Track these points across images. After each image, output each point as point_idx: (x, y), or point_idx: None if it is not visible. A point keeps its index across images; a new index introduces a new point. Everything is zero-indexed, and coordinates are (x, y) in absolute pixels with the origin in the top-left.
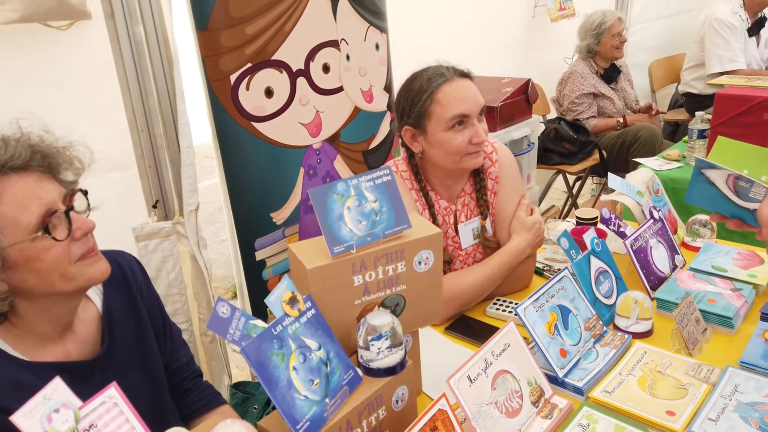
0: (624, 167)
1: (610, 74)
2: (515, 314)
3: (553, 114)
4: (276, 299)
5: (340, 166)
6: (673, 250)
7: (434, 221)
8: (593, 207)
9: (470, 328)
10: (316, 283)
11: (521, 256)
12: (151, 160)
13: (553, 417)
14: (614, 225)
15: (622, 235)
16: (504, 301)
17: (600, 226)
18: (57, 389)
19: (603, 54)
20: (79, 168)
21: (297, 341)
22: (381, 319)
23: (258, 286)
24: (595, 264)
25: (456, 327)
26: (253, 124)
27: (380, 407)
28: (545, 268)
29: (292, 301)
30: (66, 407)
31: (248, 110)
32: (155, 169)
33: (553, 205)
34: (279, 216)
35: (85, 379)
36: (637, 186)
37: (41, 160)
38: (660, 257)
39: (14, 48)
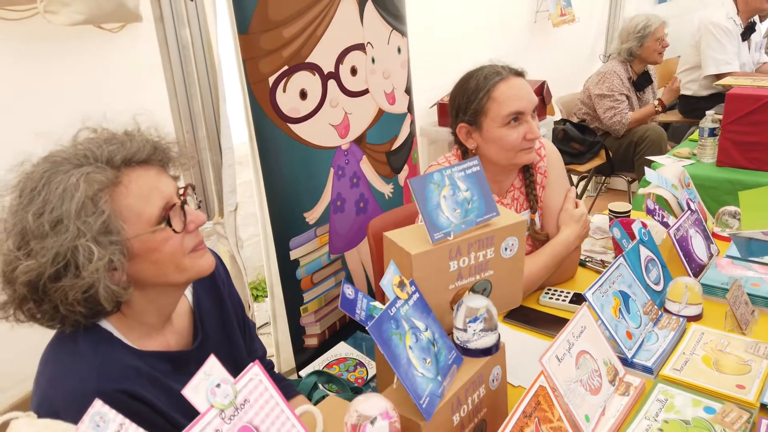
0: (630, 167)
1: (642, 83)
2: (575, 302)
3: (557, 116)
4: (388, 283)
5: (365, 166)
6: (708, 240)
7: None
8: (593, 204)
9: (527, 316)
10: (419, 268)
11: (571, 247)
12: (195, 162)
13: (630, 394)
14: (658, 215)
15: (666, 225)
16: (555, 290)
17: (638, 218)
18: (214, 366)
19: (644, 58)
20: (184, 164)
21: (409, 322)
22: (478, 301)
23: (291, 285)
24: (644, 253)
25: (514, 315)
26: (289, 125)
27: (481, 385)
28: (587, 260)
29: (401, 285)
30: (225, 382)
31: (285, 112)
32: (198, 170)
33: None
34: (311, 216)
35: (182, 369)
36: (671, 180)
37: (160, 155)
38: (699, 246)
39: (68, 49)
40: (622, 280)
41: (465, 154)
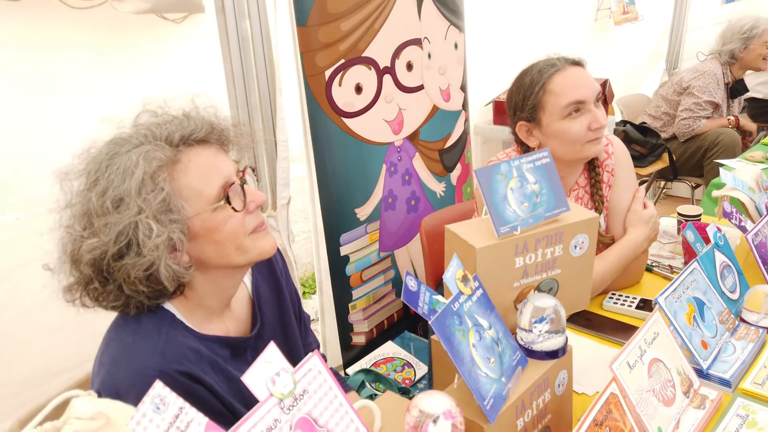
0: (697, 172)
1: (738, 89)
2: (641, 308)
3: (617, 117)
4: (451, 277)
5: (418, 163)
6: None
7: None
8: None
9: (590, 321)
10: (483, 263)
11: (639, 250)
12: (251, 153)
13: (706, 408)
14: (735, 219)
15: (743, 230)
16: (620, 295)
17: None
18: (274, 354)
19: (747, 62)
20: (245, 146)
21: (472, 319)
22: (545, 301)
23: (340, 281)
24: (719, 258)
25: (575, 319)
26: (343, 119)
27: (546, 390)
28: (654, 264)
29: (464, 279)
30: (285, 371)
31: (340, 106)
32: (254, 162)
33: None
34: (362, 212)
35: (240, 356)
36: (748, 182)
37: (218, 134)
38: None
39: (132, 38)
40: (696, 286)
41: (527, 152)
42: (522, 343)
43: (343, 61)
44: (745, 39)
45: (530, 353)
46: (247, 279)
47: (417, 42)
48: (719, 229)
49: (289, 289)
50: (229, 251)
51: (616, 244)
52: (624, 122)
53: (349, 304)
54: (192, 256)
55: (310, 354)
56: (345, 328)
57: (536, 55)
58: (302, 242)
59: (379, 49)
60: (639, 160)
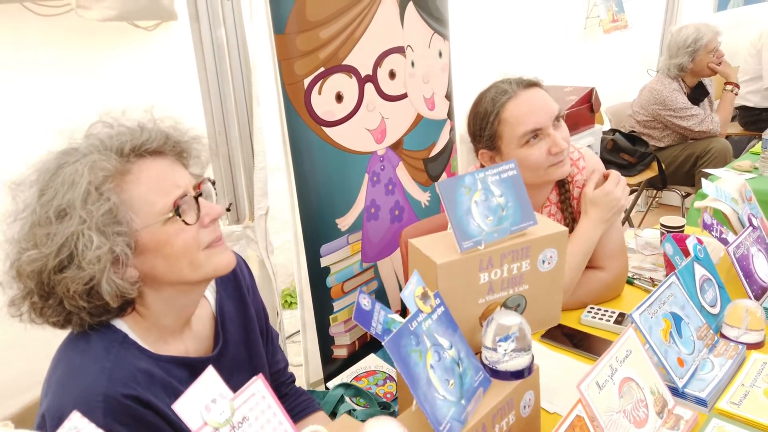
0: (687, 180)
1: (697, 96)
2: (620, 323)
3: (606, 126)
4: (410, 294)
5: (402, 173)
6: None
7: None
8: (642, 220)
9: (567, 336)
10: (445, 279)
11: (593, 237)
12: (227, 164)
13: (680, 429)
14: (716, 231)
15: (724, 242)
16: (599, 309)
17: (688, 233)
18: (212, 379)
19: (697, 72)
20: (205, 161)
21: (431, 338)
22: (510, 318)
23: (321, 293)
24: (699, 271)
25: (552, 335)
26: (323, 128)
27: (510, 411)
28: (635, 277)
29: (424, 296)
30: (222, 397)
31: (319, 114)
32: (230, 172)
33: None
34: (343, 222)
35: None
36: (731, 193)
37: (174, 146)
38: (761, 266)
39: (102, 46)
40: (673, 301)
41: None
42: (486, 362)
43: (322, 69)
44: (691, 52)
45: (495, 373)
46: (211, 295)
47: (400, 50)
48: (700, 241)
49: (256, 306)
50: (181, 266)
51: (570, 240)
52: (613, 131)
53: (330, 317)
54: (142, 271)
55: (254, 378)
56: (326, 341)
57: (524, 63)
58: (287, 252)
59: (361, 57)
60: (627, 169)
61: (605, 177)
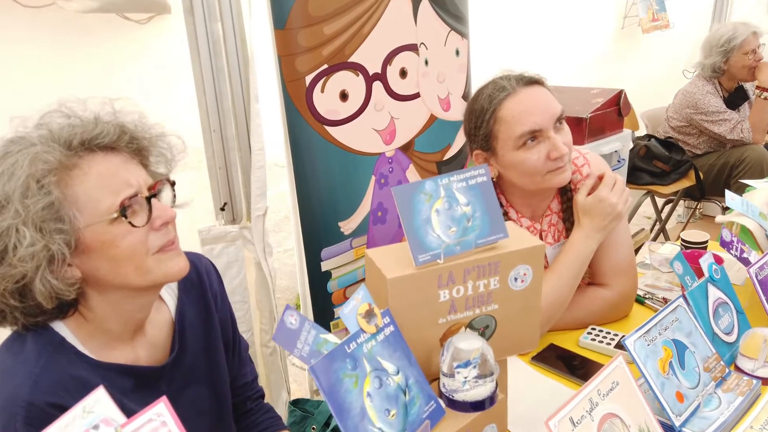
0: (723, 191)
1: (735, 100)
2: (621, 347)
3: (642, 131)
4: (350, 312)
5: (412, 176)
6: None
7: None
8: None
9: (561, 360)
10: (396, 296)
11: (587, 250)
12: (222, 162)
13: None
14: (736, 249)
15: (746, 262)
16: (600, 330)
17: (712, 251)
18: (99, 401)
19: (732, 74)
20: (170, 159)
21: (372, 362)
22: (470, 342)
23: (322, 298)
24: (714, 294)
25: (544, 357)
26: (326, 128)
27: None
28: (647, 296)
29: (369, 314)
30: (107, 423)
31: (322, 113)
32: (225, 171)
33: (643, 229)
34: (347, 226)
35: (150, 387)
36: (759, 207)
37: (129, 142)
38: None
39: (92, 38)
40: (678, 326)
41: None
42: (444, 390)
43: (326, 66)
44: (724, 52)
45: (452, 403)
46: (171, 300)
47: (412, 48)
48: (719, 260)
49: (222, 314)
50: (126, 270)
51: (562, 249)
52: (648, 136)
53: (331, 323)
54: (84, 271)
55: (157, 401)
56: None
57: (554, 65)
58: (290, 254)
59: (369, 55)
60: (661, 177)
61: (600, 179)
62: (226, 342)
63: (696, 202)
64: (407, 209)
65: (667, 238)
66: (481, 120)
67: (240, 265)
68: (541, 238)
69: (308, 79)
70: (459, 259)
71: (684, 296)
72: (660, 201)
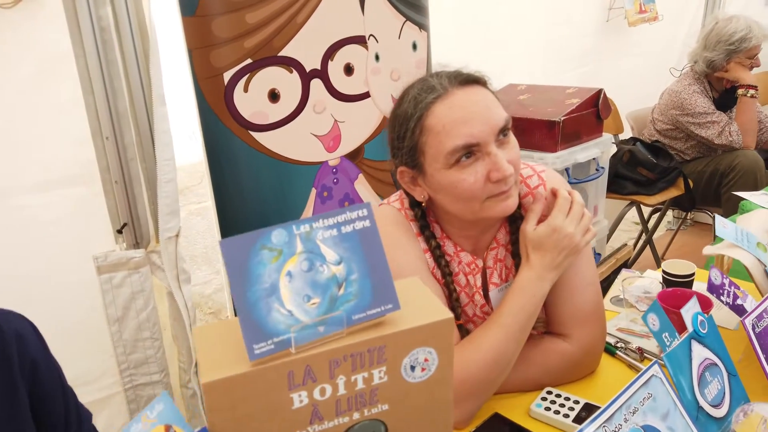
0: (714, 202)
1: (727, 102)
2: (581, 419)
3: (627, 133)
4: None
5: (362, 187)
6: None
7: (448, 285)
8: (670, 243)
9: None
10: (218, 409)
11: (538, 293)
12: (119, 174)
13: None
14: (728, 295)
15: (740, 310)
16: (558, 395)
17: (700, 290)
18: None
19: (726, 76)
20: None
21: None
22: None
23: None
24: (700, 354)
25: (489, 429)
26: (252, 133)
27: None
28: (618, 344)
29: None
30: None
31: (246, 117)
32: (123, 186)
33: (625, 244)
34: None
35: None
36: (756, 235)
37: None
38: None
39: None
40: (651, 407)
41: (414, 206)
42: None
43: (249, 61)
44: (731, 51)
45: None
46: None
47: (359, 40)
48: (707, 302)
49: (39, 388)
50: None
51: (508, 292)
52: (634, 140)
53: None
54: None
55: None
56: None
57: (527, 60)
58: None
59: (304, 48)
60: (646, 186)
61: (554, 195)
62: (48, 419)
63: (686, 213)
64: (240, 276)
65: (654, 252)
66: (405, 129)
67: (147, 296)
68: (484, 276)
69: (227, 76)
70: (322, 346)
71: (658, 362)
72: (646, 211)
